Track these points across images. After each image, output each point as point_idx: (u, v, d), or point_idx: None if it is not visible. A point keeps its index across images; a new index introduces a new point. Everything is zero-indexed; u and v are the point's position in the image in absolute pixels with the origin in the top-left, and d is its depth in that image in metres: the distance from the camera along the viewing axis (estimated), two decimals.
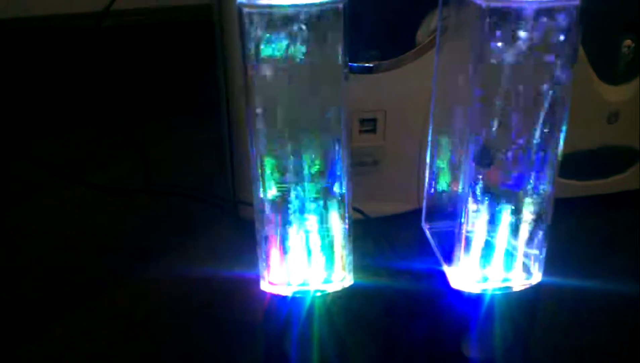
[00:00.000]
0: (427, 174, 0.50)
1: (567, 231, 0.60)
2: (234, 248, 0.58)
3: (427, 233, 0.50)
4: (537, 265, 0.43)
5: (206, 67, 0.66)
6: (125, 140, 0.79)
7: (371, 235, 0.60)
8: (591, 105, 0.61)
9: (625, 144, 0.64)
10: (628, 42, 0.60)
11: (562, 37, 0.38)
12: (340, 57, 0.37)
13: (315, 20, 0.36)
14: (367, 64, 0.56)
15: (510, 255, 0.43)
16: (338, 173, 0.40)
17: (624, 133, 0.63)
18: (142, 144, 0.72)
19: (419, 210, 0.52)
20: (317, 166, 0.40)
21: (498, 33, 0.37)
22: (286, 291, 0.42)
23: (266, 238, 0.41)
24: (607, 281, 0.54)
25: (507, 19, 0.37)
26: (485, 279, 0.43)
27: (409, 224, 0.57)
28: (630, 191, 0.67)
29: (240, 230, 0.62)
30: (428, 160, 0.49)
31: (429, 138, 0.49)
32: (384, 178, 0.61)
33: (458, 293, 0.44)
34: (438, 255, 0.47)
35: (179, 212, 0.67)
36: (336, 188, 0.41)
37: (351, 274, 0.43)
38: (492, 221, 0.42)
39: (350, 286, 0.43)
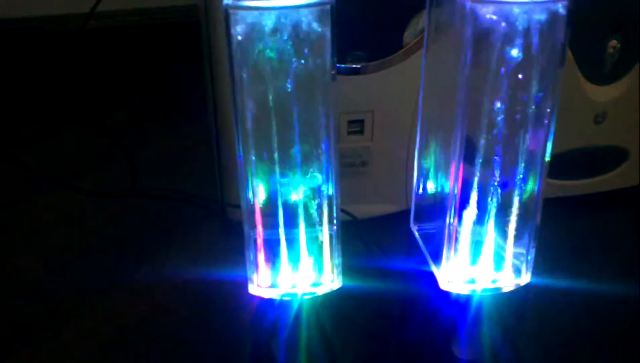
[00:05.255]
0: (415, 175, 0.50)
1: (556, 231, 0.60)
2: (222, 251, 0.58)
3: (416, 233, 0.50)
4: (525, 265, 0.43)
5: (193, 69, 0.66)
6: (113, 144, 0.78)
7: (360, 236, 0.60)
8: (578, 105, 0.61)
9: (612, 143, 0.64)
10: (613, 42, 0.60)
11: (550, 37, 0.38)
12: (328, 59, 0.37)
13: (303, 21, 0.36)
14: (354, 65, 0.56)
15: (499, 255, 0.43)
16: (327, 175, 0.40)
17: (611, 133, 0.63)
18: (130, 148, 0.72)
19: (408, 211, 0.51)
20: (306, 168, 0.40)
21: (485, 33, 0.37)
22: (274, 295, 0.42)
23: (254, 241, 0.41)
24: (597, 281, 0.54)
25: (494, 19, 0.37)
26: (473, 280, 0.43)
27: (398, 226, 0.57)
28: (618, 190, 0.67)
29: (228, 232, 0.62)
30: (416, 160, 0.49)
31: (417, 138, 0.49)
32: (371, 179, 0.61)
33: (447, 294, 0.44)
34: (427, 255, 0.47)
35: (166, 215, 0.67)
36: (325, 190, 0.41)
37: (340, 276, 0.43)
38: (481, 221, 0.42)
39: (339, 289, 0.43)
